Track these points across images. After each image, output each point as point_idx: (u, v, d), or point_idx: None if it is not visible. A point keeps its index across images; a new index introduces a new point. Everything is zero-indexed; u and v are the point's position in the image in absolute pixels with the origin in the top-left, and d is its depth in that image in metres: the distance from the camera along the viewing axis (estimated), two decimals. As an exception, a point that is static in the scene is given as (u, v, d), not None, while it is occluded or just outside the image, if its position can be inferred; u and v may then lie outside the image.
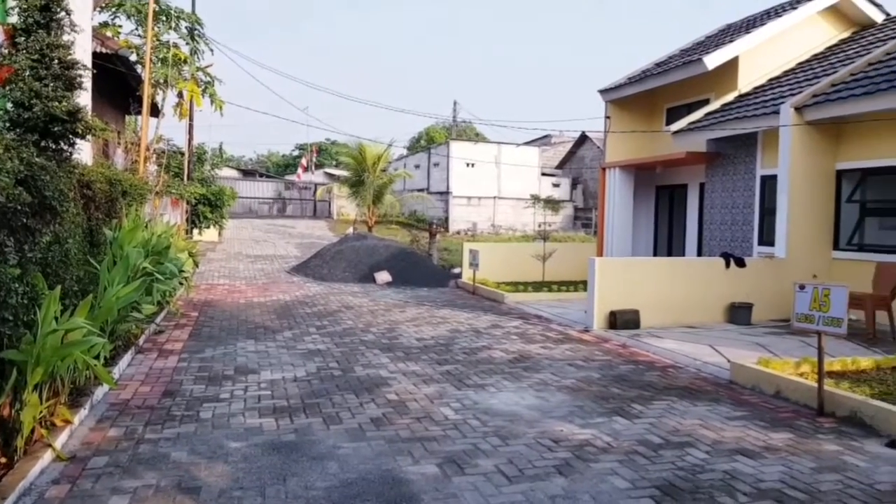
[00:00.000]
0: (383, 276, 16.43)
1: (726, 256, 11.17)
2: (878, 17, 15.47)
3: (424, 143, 58.90)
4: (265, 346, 8.84)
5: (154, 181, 15.57)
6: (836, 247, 11.96)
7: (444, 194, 38.55)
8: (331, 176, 48.38)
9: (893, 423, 5.60)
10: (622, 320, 10.36)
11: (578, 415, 6.07)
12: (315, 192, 41.81)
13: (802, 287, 6.47)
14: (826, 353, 7.68)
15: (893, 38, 13.02)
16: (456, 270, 17.66)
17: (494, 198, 39.18)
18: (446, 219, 37.59)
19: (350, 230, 26.87)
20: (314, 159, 52.50)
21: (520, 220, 38.70)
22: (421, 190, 39.36)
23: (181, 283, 12.18)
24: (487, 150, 40.41)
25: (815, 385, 6.32)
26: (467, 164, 39.17)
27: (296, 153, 69.81)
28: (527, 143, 45.16)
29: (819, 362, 6.31)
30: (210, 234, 24.98)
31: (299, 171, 48.34)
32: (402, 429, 5.60)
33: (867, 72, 11.63)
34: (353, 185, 26.78)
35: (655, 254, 16.86)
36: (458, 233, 36.96)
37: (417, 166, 44.16)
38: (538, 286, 15.08)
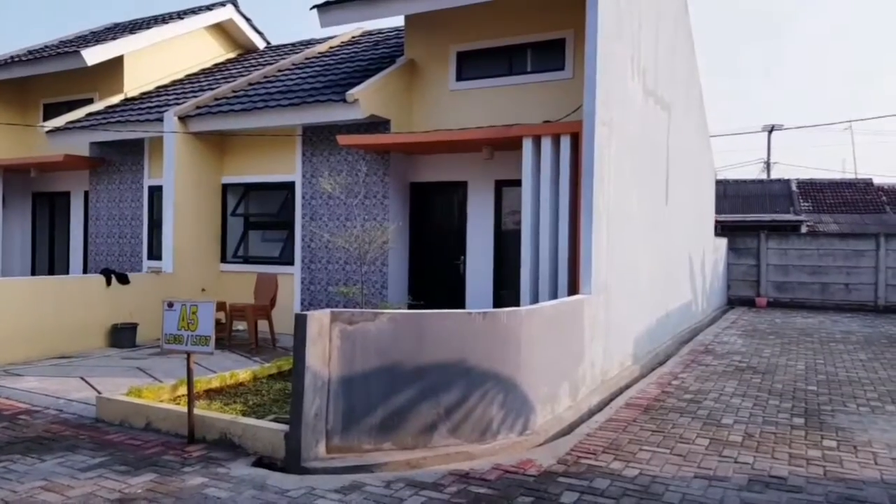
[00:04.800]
0: None
1: (107, 272, 10.01)
2: (261, 45, 16.71)
3: None
4: None
5: None
6: (224, 259, 12.12)
7: None
8: None
9: (260, 439, 5.44)
10: (-33, 360, 8.10)
11: None
12: None
13: (171, 305, 5.87)
14: (207, 369, 7.31)
15: (271, 63, 14.07)
16: None
17: None
18: None
19: None
20: None
21: None
22: None
23: None
24: None
25: (186, 410, 5.79)
26: None
27: None
28: None
29: (189, 385, 5.79)
30: None
31: None
32: None
33: (247, 90, 12.16)
34: None
35: (35, 272, 14.39)
36: None
37: None
38: None
